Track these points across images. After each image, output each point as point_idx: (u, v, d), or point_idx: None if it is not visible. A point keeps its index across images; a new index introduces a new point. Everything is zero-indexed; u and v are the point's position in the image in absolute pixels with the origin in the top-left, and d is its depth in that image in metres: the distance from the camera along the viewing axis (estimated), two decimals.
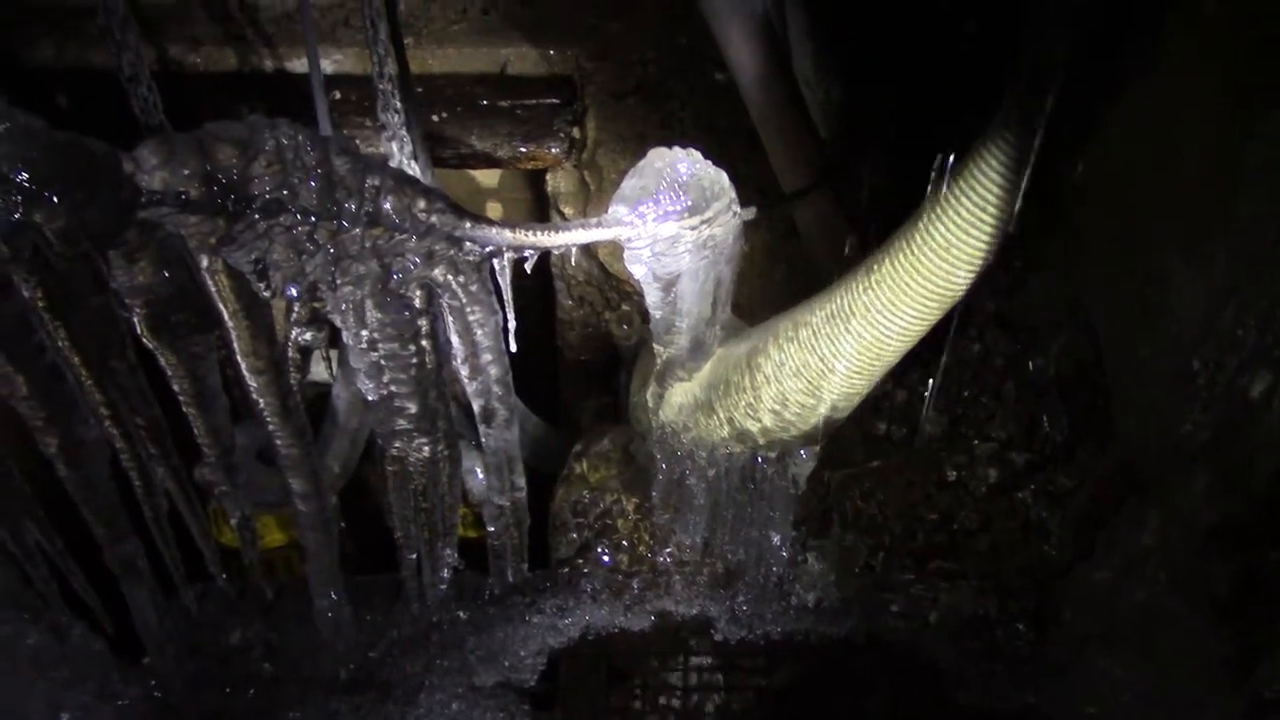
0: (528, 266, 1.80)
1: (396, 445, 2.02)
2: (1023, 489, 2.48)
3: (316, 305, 1.73)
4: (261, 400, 1.84)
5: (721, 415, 2.33)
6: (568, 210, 3.38)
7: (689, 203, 1.82)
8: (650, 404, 2.49)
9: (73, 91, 3.19)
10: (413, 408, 1.93)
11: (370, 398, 1.92)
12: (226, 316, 1.69)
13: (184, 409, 1.83)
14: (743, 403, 2.27)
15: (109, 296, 1.62)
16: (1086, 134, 1.85)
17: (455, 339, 1.87)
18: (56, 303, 1.57)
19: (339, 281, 1.67)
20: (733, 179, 1.90)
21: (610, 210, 1.82)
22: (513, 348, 1.92)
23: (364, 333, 1.78)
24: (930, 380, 2.45)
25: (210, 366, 1.78)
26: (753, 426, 2.31)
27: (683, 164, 1.82)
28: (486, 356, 1.91)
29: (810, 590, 2.67)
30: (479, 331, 1.85)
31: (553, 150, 3.21)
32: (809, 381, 2.16)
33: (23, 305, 1.56)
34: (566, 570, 2.81)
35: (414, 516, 2.19)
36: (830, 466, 2.57)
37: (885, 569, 2.61)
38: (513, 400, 2.05)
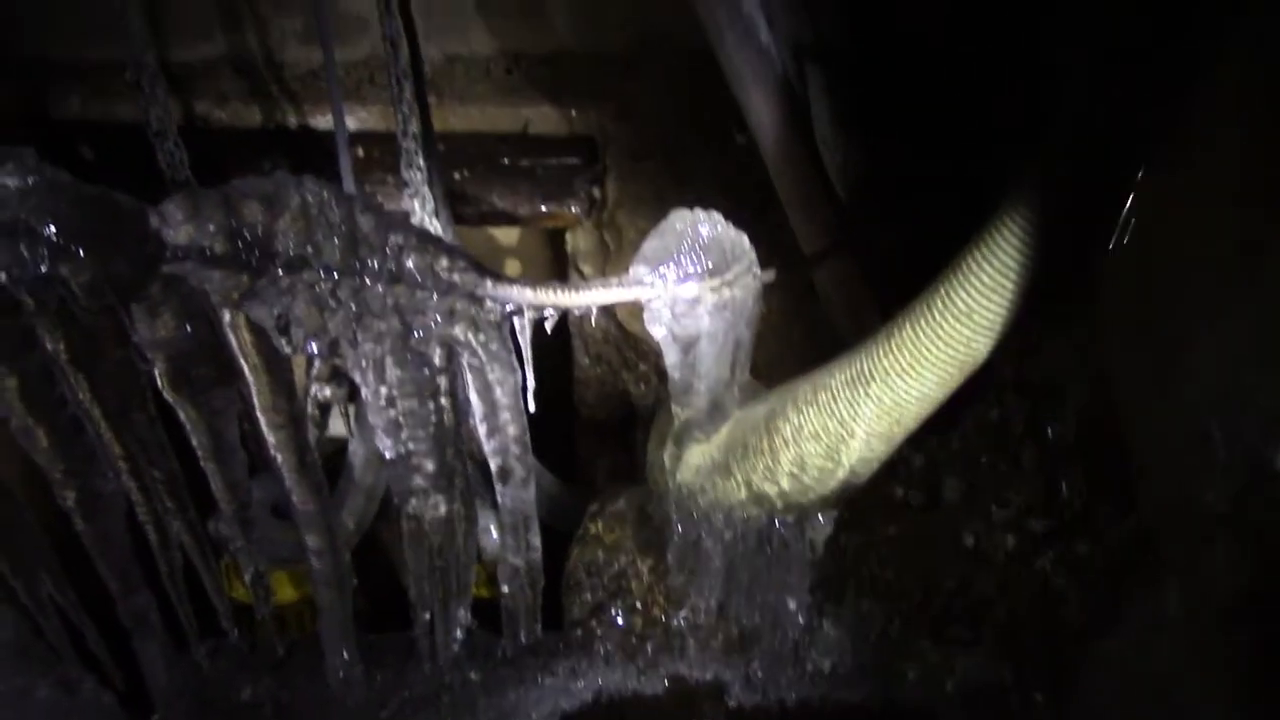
0: (548, 326, 1.80)
1: (413, 503, 2.01)
2: (1041, 556, 2.45)
3: (337, 361, 1.73)
4: (279, 456, 1.84)
5: (739, 478, 2.32)
6: (587, 269, 3.40)
7: (710, 264, 1.83)
8: (667, 465, 2.48)
9: (99, 144, 3.23)
10: (430, 465, 1.93)
11: (388, 455, 1.91)
12: (247, 371, 1.70)
13: (202, 463, 1.83)
14: (760, 465, 2.26)
15: (131, 350, 1.62)
16: (1111, 201, 1.85)
17: (474, 397, 1.87)
18: (79, 355, 1.58)
19: (360, 338, 1.68)
20: (752, 241, 1.90)
21: (631, 270, 1.82)
22: (531, 407, 1.92)
23: (383, 389, 1.78)
24: (948, 446, 2.44)
25: (229, 421, 1.79)
26: (770, 490, 2.29)
27: (704, 225, 1.83)
28: (505, 415, 1.90)
29: (826, 656, 2.64)
30: (498, 390, 1.85)
31: (573, 209, 3.23)
32: (828, 445, 2.15)
33: (46, 357, 1.56)
34: (580, 632, 2.79)
35: (428, 575, 2.18)
36: (847, 531, 2.55)
37: (902, 636, 2.58)
38: (530, 459, 2.05)
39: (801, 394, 2.18)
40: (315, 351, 1.67)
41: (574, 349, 3.58)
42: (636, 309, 1.89)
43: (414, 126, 2.72)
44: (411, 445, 1.89)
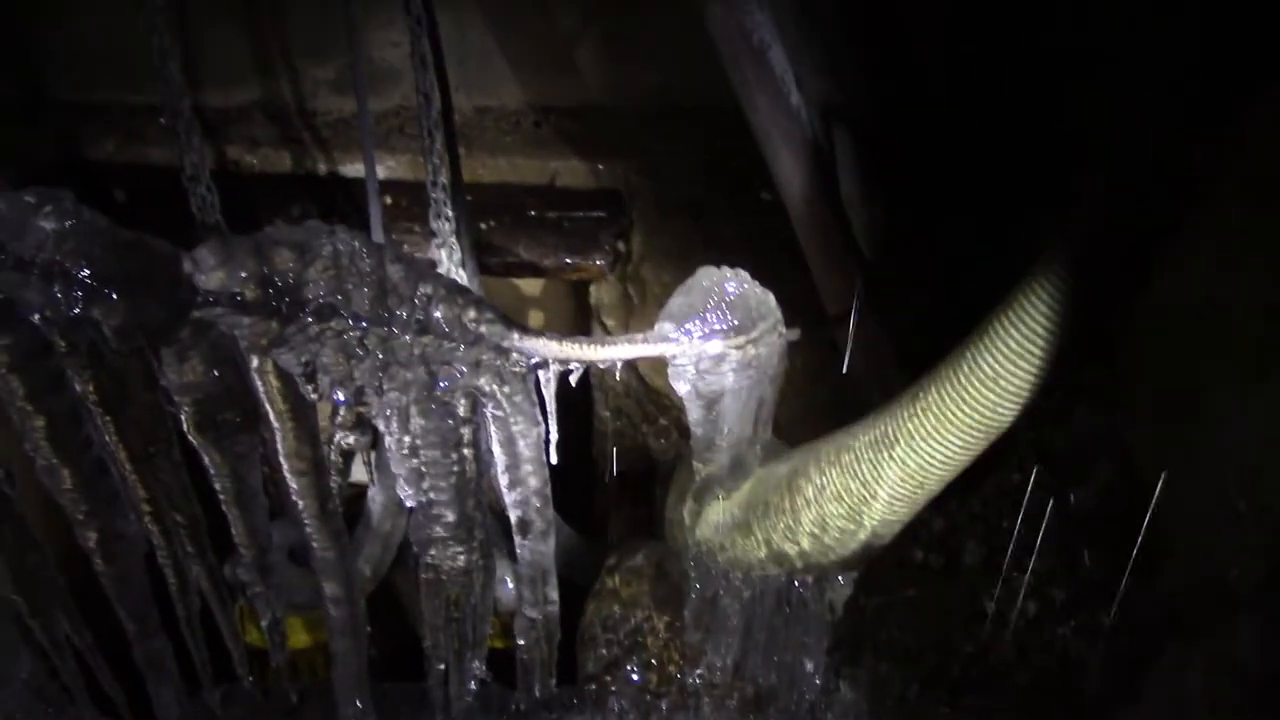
0: (573, 379, 1.80)
1: (432, 553, 2.00)
2: (1062, 625, 2.42)
3: (361, 409, 1.73)
4: (301, 502, 1.84)
5: (759, 536, 2.31)
6: (610, 322, 3.40)
7: (735, 322, 1.83)
8: (686, 521, 2.47)
9: (132, 188, 3.26)
10: (450, 516, 1.93)
11: (409, 504, 1.91)
12: (273, 417, 1.70)
13: (224, 507, 1.83)
14: (781, 525, 2.25)
15: (158, 393, 1.63)
16: (1139, 270, 1.84)
17: (496, 449, 1.87)
18: (108, 397, 1.59)
19: (386, 387, 1.68)
20: (777, 299, 1.91)
21: (657, 326, 1.83)
22: (553, 459, 1.91)
23: (407, 438, 1.78)
24: (969, 509, 2.42)
25: (252, 465, 1.79)
26: (791, 549, 2.28)
27: (730, 283, 1.83)
28: (527, 467, 1.90)
29: (842, 719, 2.61)
30: (521, 442, 1.85)
31: (598, 262, 3.25)
32: (850, 507, 2.13)
33: (74, 399, 1.57)
34: (594, 687, 2.77)
35: (444, 626, 2.17)
36: (866, 593, 2.53)
37: (919, 700, 2.55)
38: (550, 512, 2.04)
39: (824, 454, 2.17)
40: (341, 399, 1.67)
41: (595, 402, 3.58)
42: (660, 364, 1.89)
43: (443, 177, 2.75)
44: (433, 495, 1.89)
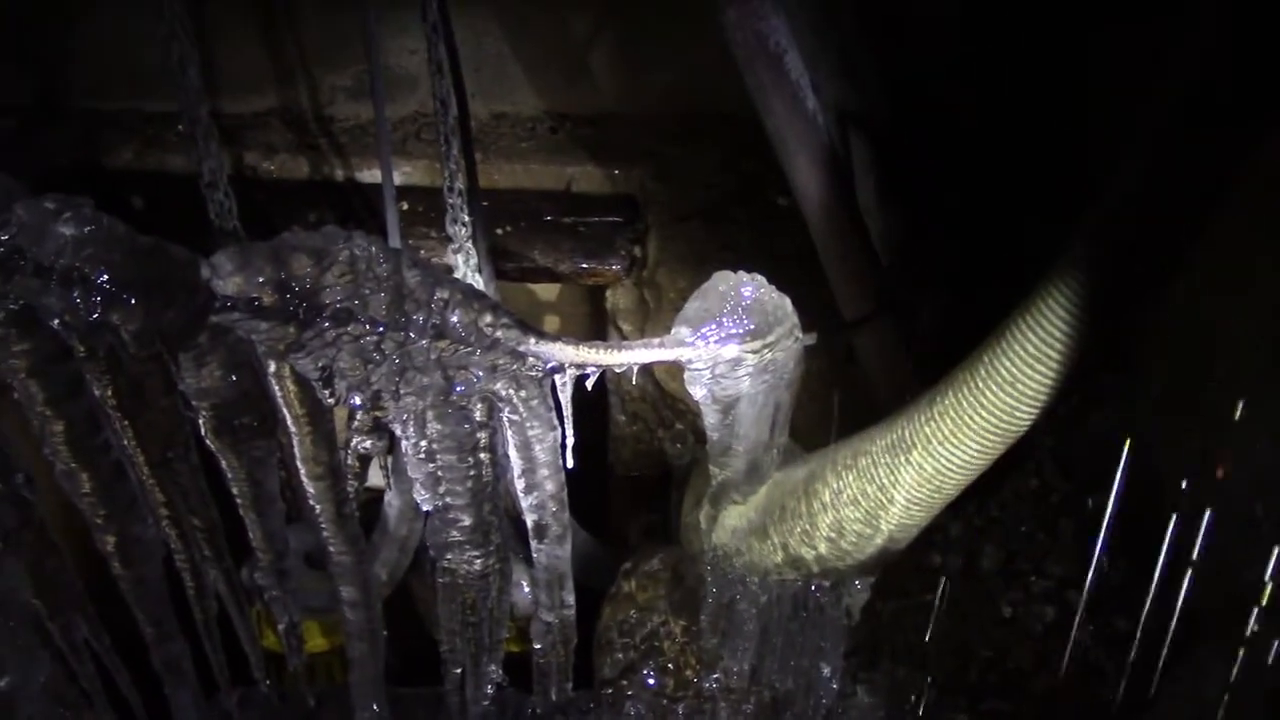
0: (589, 384, 1.81)
1: (448, 557, 2.01)
2: (1080, 630, 2.41)
3: (378, 414, 1.74)
4: (318, 506, 1.85)
5: (776, 541, 2.31)
6: (626, 327, 3.40)
7: (751, 326, 1.83)
8: (703, 525, 2.46)
9: (150, 194, 3.28)
10: (467, 520, 1.93)
11: (425, 508, 1.91)
12: (290, 422, 1.71)
13: (241, 511, 1.84)
14: (798, 529, 2.24)
15: (176, 398, 1.64)
16: (1157, 276, 1.83)
17: (513, 453, 1.87)
18: (126, 402, 1.59)
19: (402, 391, 1.68)
20: (794, 304, 1.90)
21: (673, 331, 1.83)
22: (569, 464, 1.91)
23: (423, 443, 1.79)
24: (987, 514, 2.41)
25: (270, 470, 1.79)
26: (807, 554, 2.27)
27: (746, 288, 1.83)
28: (543, 472, 1.90)
29: None
30: (537, 447, 1.85)
31: (613, 267, 3.25)
32: (867, 511, 2.13)
33: (93, 403, 1.58)
34: (610, 691, 2.76)
35: (461, 630, 2.17)
36: (883, 598, 2.53)
37: (936, 706, 2.54)
38: (566, 516, 2.04)
39: (841, 458, 2.17)
40: (358, 404, 1.68)
41: (610, 406, 3.58)
42: (675, 368, 1.89)
43: (460, 182, 2.75)
44: (449, 499, 1.89)
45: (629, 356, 1.76)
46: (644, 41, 3.28)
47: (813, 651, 2.52)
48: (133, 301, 1.37)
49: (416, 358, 1.65)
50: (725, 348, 1.81)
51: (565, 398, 1.81)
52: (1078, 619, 2.40)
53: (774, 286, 1.86)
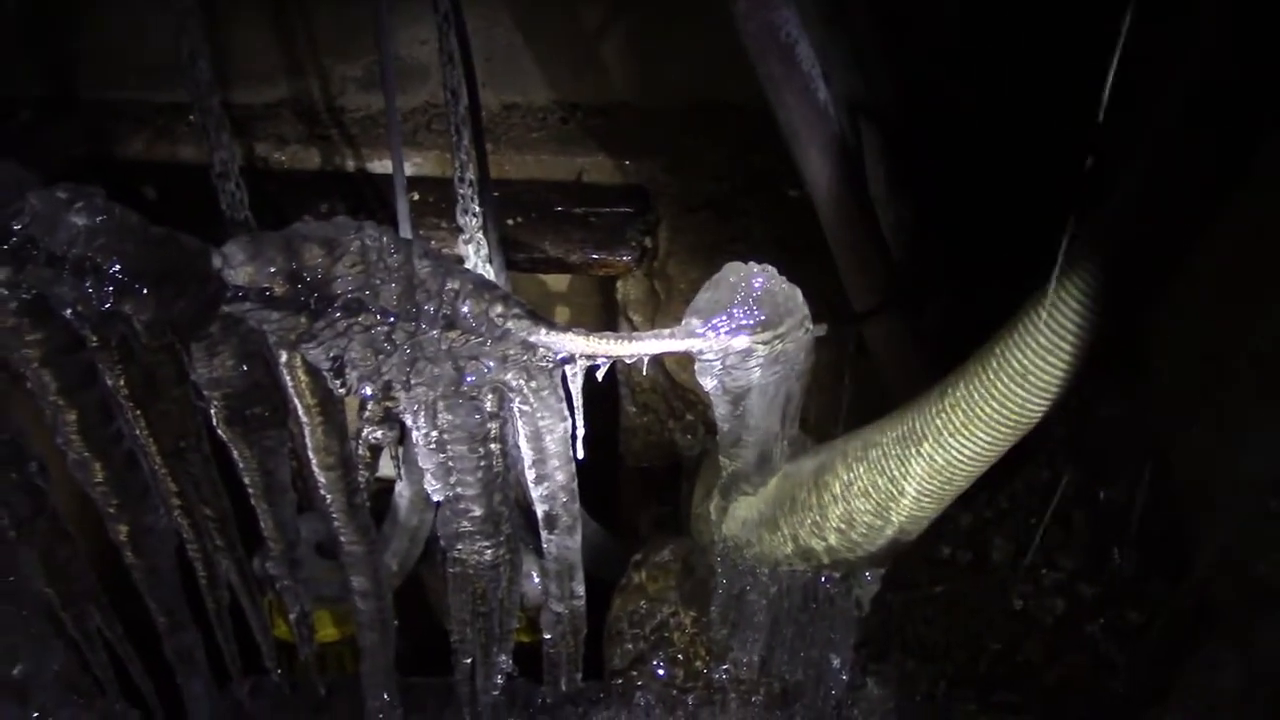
0: (599, 374, 1.81)
1: (459, 548, 2.01)
2: (1091, 622, 2.41)
3: (389, 404, 1.74)
4: (329, 496, 1.85)
5: (786, 532, 2.31)
6: (636, 318, 3.40)
7: (762, 317, 1.83)
8: (713, 517, 2.46)
9: (162, 185, 3.29)
10: (478, 510, 1.93)
11: (436, 498, 1.92)
12: (301, 412, 1.71)
13: (252, 501, 1.84)
14: (808, 521, 2.24)
15: (188, 387, 1.64)
16: (1171, 267, 1.83)
17: (523, 443, 1.87)
18: (138, 391, 1.60)
19: (413, 382, 1.69)
20: (804, 295, 1.90)
21: (684, 321, 1.82)
22: (580, 454, 1.91)
23: (434, 433, 1.79)
24: (998, 506, 2.41)
25: (281, 460, 1.80)
26: (818, 545, 2.27)
27: (757, 279, 1.83)
28: (554, 462, 1.90)
29: (869, 716, 2.60)
30: (548, 437, 1.85)
31: (624, 258, 3.25)
32: (877, 503, 2.13)
33: (105, 393, 1.58)
34: (620, 682, 2.77)
35: (471, 620, 2.17)
36: (893, 589, 2.52)
37: (947, 698, 2.54)
38: (576, 507, 2.04)
39: (852, 450, 2.16)
40: (368, 394, 1.68)
41: (621, 397, 3.58)
42: (686, 359, 1.89)
43: (471, 173, 2.75)
44: (460, 489, 1.90)
45: (640, 347, 1.76)
46: (656, 32, 3.27)
47: (823, 643, 2.52)
48: (145, 291, 1.37)
49: (427, 348, 1.65)
50: (736, 339, 1.81)
51: (576, 388, 1.81)
52: (1088, 611, 2.40)
53: (785, 278, 1.86)
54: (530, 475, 1.94)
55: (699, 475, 2.83)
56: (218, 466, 1.84)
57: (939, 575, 2.58)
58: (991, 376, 1.87)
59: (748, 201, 3.20)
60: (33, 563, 1.84)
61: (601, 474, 3.63)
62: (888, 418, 2.13)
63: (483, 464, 1.86)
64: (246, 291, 1.48)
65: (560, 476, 1.95)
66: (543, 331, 1.69)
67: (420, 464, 1.86)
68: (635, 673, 2.77)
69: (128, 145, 3.35)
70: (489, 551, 2.02)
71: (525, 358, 1.72)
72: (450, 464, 1.85)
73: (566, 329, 1.72)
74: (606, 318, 4.00)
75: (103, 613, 2.00)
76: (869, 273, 2.57)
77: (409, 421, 1.78)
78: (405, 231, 2.85)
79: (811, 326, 1.93)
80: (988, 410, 1.90)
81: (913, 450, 2.03)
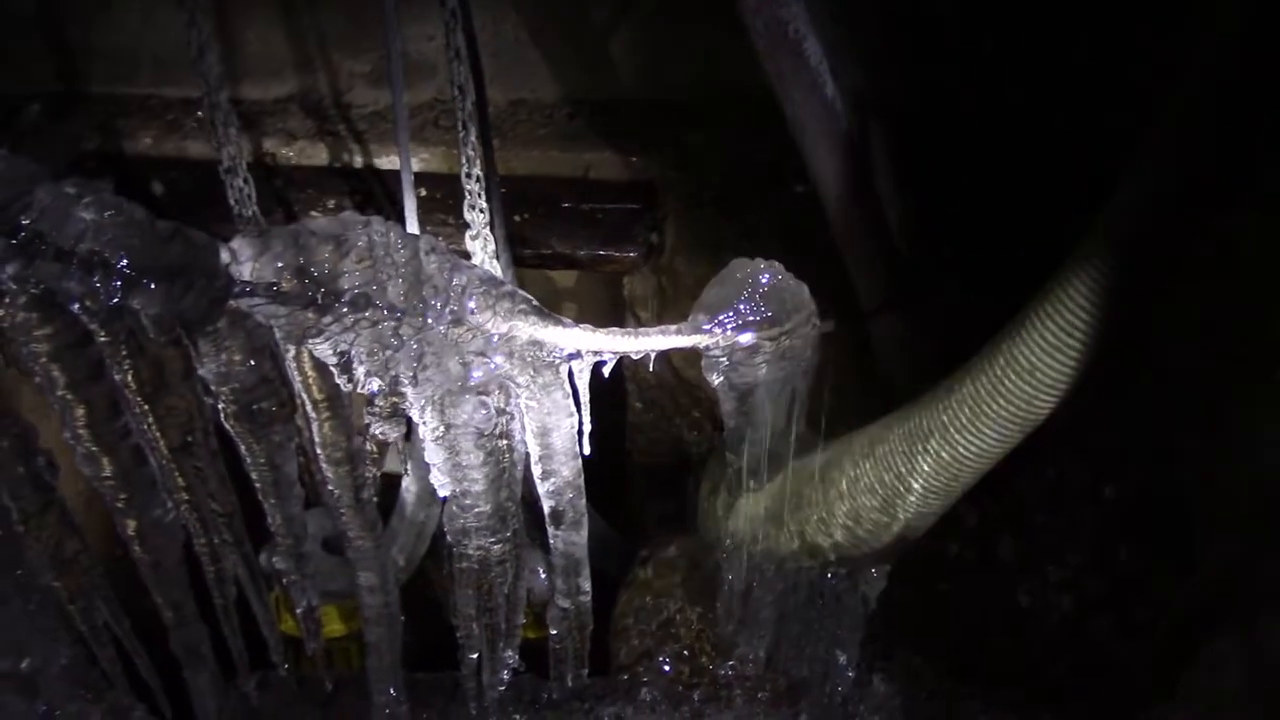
0: (606, 371, 1.81)
1: (465, 543, 2.01)
2: (1097, 619, 2.41)
3: (395, 400, 1.74)
4: (336, 491, 1.86)
5: (792, 528, 2.30)
6: (643, 314, 3.41)
7: (769, 313, 1.82)
8: (719, 513, 2.46)
9: (170, 180, 3.30)
10: (484, 506, 1.93)
11: (442, 494, 1.92)
12: (309, 407, 1.71)
13: (260, 497, 1.84)
14: (815, 517, 2.24)
15: (196, 382, 1.64)
16: (1176, 262, 1.83)
17: (530, 439, 1.87)
18: (146, 386, 1.60)
19: (420, 377, 1.69)
20: (811, 291, 1.90)
21: (690, 318, 1.82)
22: (586, 450, 1.91)
23: (441, 429, 1.79)
24: (1004, 503, 2.41)
25: (289, 455, 1.80)
26: (824, 542, 2.27)
27: (764, 275, 1.83)
28: (560, 458, 1.90)
29: (875, 712, 2.60)
30: (554, 433, 1.85)
31: (631, 254, 3.25)
32: (884, 499, 2.13)
33: (113, 388, 1.59)
34: (626, 677, 2.77)
35: (477, 616, 2.17)
36: (900, 586, 2.52)
37: (953, 695, 2.54)
38: (583, 503, 2.04)
39: (858, 447, 2.16)
40: (376, 389, 1.68)
41: (628, 394, 3.58)
42: (693, 356, 1.89)
43: (477, 169, 2.75)
44: (466, 485, 1.89)
45: (646, 343, 1.76)
46: (663, 28, 3.27)
47: (829, 639, 2.52)
48: (152, 286, 1.37)
49: (434, 344, 1.65)
50: (743, 335, 1.81)
51: (582, 384, 1.81)
52: (1094, 609, 2.40)
53: (791, 274, 1.85)
54: (537, 471, 1.94)
55: (705, 471, 2.83)
56: (225, 461, 1.84)
57: (945, 572, 2.58)
58: (999, 373, 1.87)
59: (755, 197, 3.20)
60: (41, 557, 1.84)
61: (608, 470, 3.63)
62: (895, 414, 2.13)
63: (489, 460, 1.86)
64: (254, 286, 1.48)
65: (567, 472, 1.95)
66: (549, 327, 1.69)
67: (427, 459, 1.86)
68: (641, 668, 2.77)
69: (136, 140, 3.36)
70: (495, 547, 2.02)
71: (532, 354, 1.72)
72: (457, 460, 1.85)
73: (573, 325, 1.72)
74: (613, 314, 4.00)
75: (110, 607, 2.01)
76: (876, 269, 2.57)
77: (416, 417, 1.78)
78: (412, 227, 2.85)
79: (818, 323, 1.93)
80: (995, 407, 1.90)
81: (919, 447, 2.03)
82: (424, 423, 1.78)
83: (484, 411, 1.79)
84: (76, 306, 1.42)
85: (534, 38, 3.33)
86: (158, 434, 1.68)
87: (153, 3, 3.23)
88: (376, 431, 2.58)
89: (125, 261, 1.36)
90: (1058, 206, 2.12)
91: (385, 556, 2.10)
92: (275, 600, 3.06)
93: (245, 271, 1.47)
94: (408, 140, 2.80)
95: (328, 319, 1.55)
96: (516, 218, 3.18)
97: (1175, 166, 1.65)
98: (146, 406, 1.63)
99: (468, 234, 2.84)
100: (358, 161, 3.40)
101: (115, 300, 1.37)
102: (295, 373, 1.67)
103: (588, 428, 1.87)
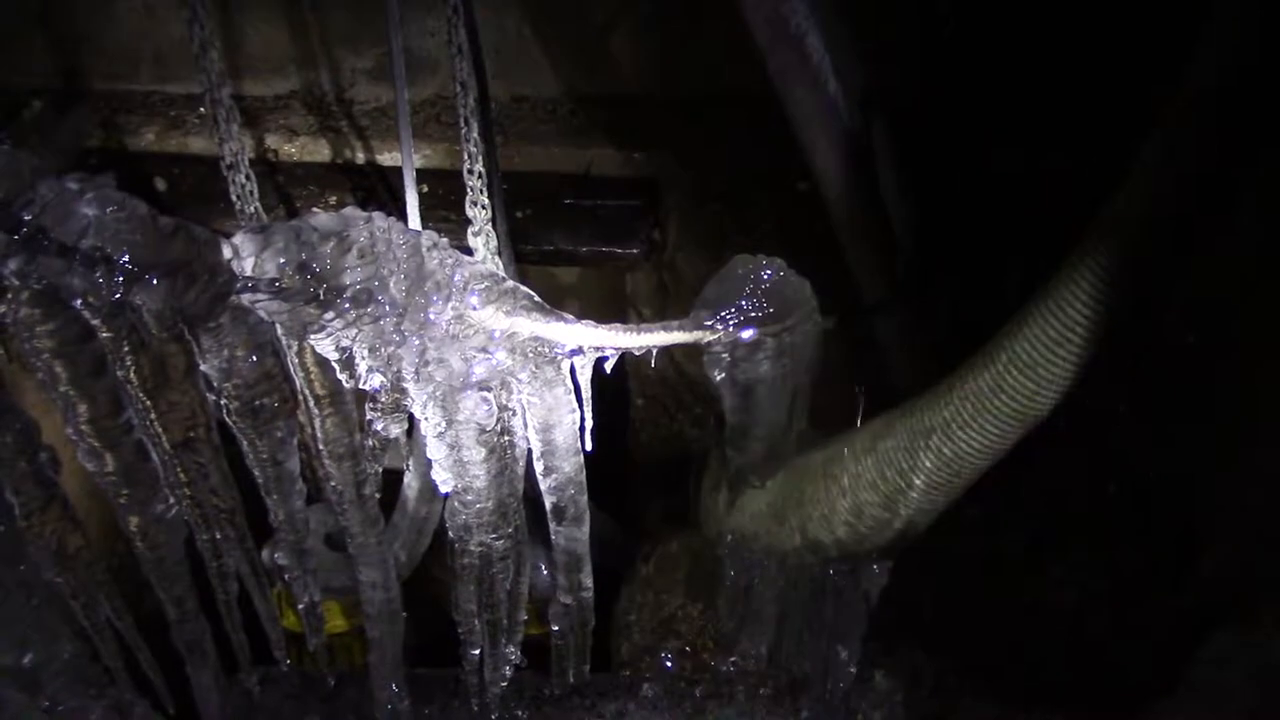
0: (608, 366, 1.81)
1: (467, 539, 2.01)
2: (1101, 615, 2.41)
3: (397, 395, 1.74)
4: (338, 487, 1.86)
5: (794, 525, 2.30)
6: (645, 310, 3.41)
7: (771, 310, 1.83)
8: (721, 509, 2.47)
9: (172, 175, 3.30)
10: (485, 502, 1.93)
11: (444, 490, 1.92)
12: (311, 403, 1.71)
13: (262, 492, 1.84)
14: (816, 514, 2.24)
15: (198, 378, 1.64)
16: (1178, 260, 1.82)
17: (532, 435, 1.87)
18: (148, 382, 1.60)
19: (421, 373, 1.69)
20: (813, 288, 1.90)
21: (692, 314, 1.82)
22: (588, 446, 1.91)
23: (443, 425, 1.79)
24: (1007, 499, 2.41)
25: (291, 451, 1.80)
26: (826, 538, 2.27)
27: (766, 271, 1.83)
28: (562, 454, 1.90)
29: (877, 709, 2.60)
30: (556, 429, 1.85)
31: (633, 251, 3.25)
32: (885, 495, 2.13)
33: (115, 383, 1.59)
34: (628, 674, 2.77)
35: (479, 612, 2.17)
36: (902, 582, 2.52)
37: (955, 691, 2.54)
38: (585, 499, 2.04)
39: (860, 443, 2.16)
40: (377, 386, 1.68)
41: (630, 390, 3.58)
42: (695, 352, 1.89)
43: (479, 165, 2.75)
44: (468, 481, 1.89)
45: (648, 339, 1.76)
46: (665, 24, 3.27)
47: (830, 635, 2.52)
48: (154, 282, 1.38)
49: (436, 339, 1.65)
50: (744, 331, 1.81)
51: (584, 380, 1.81)
52: (1099, 605, 2.40)
53: (793, 270, 1.86)
54: (539, 467, 1.94)
55: (707, 468, 2.83)
56: (227, 457, 1.84)
57: (947, 568, 2.57)
58: (1001, 369, 1.87)
59: (758, 194, 3.20)
60: (43, 553, 1.84)
61: (610, 466, 3.63)
62: (896, 410, 2.13)
63: (491, 456, 1.86)
64: (256, 282, 1.48)
65: (568, 468, 1.95)
66: (551, 323, 1.69)
67: (429, 455, 1.86)
68: (643, 665, 2.77)
69: (139, 136, 3.36)
70: (497, 543, 2.02)
71: (534, 350, 1.72)
72: (459, 456, 1.85)
73: (575, 321, 1.72)
74: (616, 310, 4.00)
75: (112, 603, 2.01)
76: (878, 265, 2.57)
77: (417, 413, 1.78)
78: (414, 223, 2.85)
79: (820, 319, 1.93)
80: (996, 403, 1.90)
81: (921, 443, 2.03)
82: (426, 419, 1.78)
83: (486, 407, 1.79)
84: (79, 302, 1.42)
85: (536, 34, 3.33)
86: (160, 430, 1.67)
87: None
88: (378, 427, 2.59)
89: (127, 257, 1.36)
90: (1060, 204, 2.12)
91: (387, 552, 2.10)
92: (277, 596, 3.06)
93: (247, 267, 1.48)
94: (410, 136, 2.80)
95: (329, 315, 1.55)
96: (519, 214, 3.18)
97: (1178, 164, 1.65)
98: (149, 402, 1.63)
99: (470, 230, 2.84)
100: (360, 158, 3.40)
101: (117, 296, 1.37)
102: (297, 369, 1.67)
103: (590, 423, 1.87)
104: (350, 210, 1.58)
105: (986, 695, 2.50)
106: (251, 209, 2.91)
